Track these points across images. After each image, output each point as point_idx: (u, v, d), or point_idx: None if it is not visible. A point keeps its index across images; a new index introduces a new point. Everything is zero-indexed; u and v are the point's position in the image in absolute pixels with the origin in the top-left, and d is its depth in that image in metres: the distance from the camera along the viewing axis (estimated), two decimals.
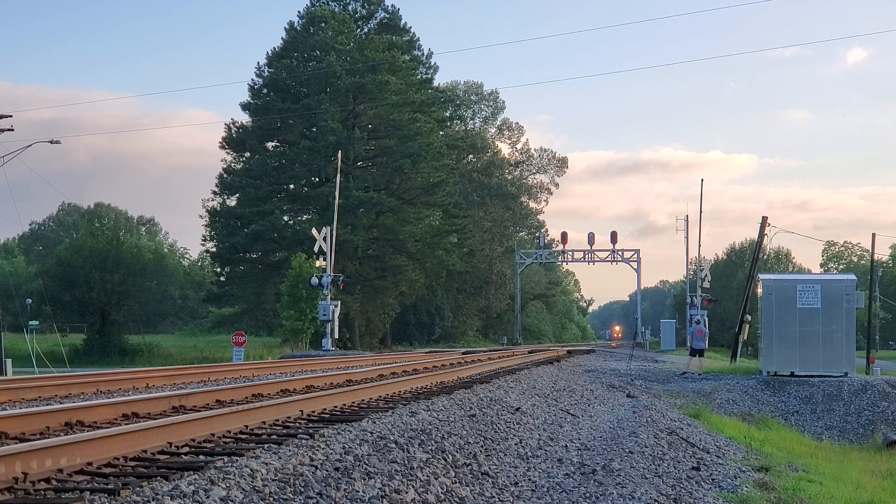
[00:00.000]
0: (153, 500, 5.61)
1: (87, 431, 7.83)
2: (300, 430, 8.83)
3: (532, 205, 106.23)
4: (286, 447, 7.69)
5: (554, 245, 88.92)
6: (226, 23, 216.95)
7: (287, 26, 69.38)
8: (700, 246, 59.35)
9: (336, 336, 43.73)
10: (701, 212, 57.68)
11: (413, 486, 7.46)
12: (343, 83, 64.38)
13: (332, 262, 44.49)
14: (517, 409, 13.50)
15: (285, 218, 68.46)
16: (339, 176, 49.84)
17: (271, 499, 6.21)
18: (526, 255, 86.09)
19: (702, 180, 59.00)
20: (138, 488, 5.81)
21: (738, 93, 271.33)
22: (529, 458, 10.20)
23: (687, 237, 67.02)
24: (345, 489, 6.82)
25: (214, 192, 69.32)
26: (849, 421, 25.16)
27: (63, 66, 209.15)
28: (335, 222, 46.68)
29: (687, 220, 66.91)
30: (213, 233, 69.36)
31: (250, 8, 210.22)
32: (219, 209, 68.86)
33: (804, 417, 25.38)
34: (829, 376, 27.56)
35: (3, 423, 7.95)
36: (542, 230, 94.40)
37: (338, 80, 64.33)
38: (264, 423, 9.19)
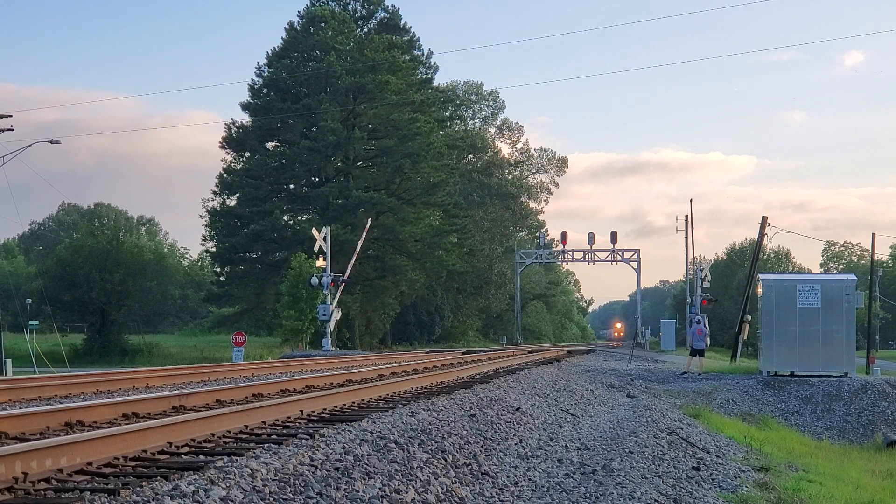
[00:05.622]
0: (153, 500, 5.61)
1: (87, 431, 7.83)
2: (300, 430, 8.82)
3: (532, 205, 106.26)
4: (286, 447, 7.69)
5: (554, 245, 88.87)
6: (226, 23, 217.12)
7: (287, 26, 69.43)
8: (693, 254, 59.50)
9: (332, 331, 44.05)
10: (692, 222, 57.81)
11: (413, 486, 7.46)
12: (343, 83, 64.36)
13: (351, 266, 45.88)
14: (517, 409, 13.50)
15: (285, 218, 68.42)
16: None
17: (271, 499, 6.20)
18: (526, 255, 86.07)
19: (690, 200, 59.18)
20: (138, 488, 5.81)
21: (738, 94, 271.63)
22: (529, 458, 10.20)
23: (687, 237, 67.16)
24: (345, 489, 6.82)
25: (214, 192, 69.33)
26: (849, 421, 25.15)
27: (66, 68, 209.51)
28: (364, 235, 49.38)
29: (687, 221, 67.03)
30: (213, 233, 69.32)
31: (250, 8, 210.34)
32: (219, 209, 68.83)
33: (804, 417, 25.38)
34: (829, 376, 27.55)
35: (3, 423, 7.95)
36: (542, 230, 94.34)
37: (338, 80, 64.31)
38: (264, 423, 9.19)
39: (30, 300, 67.06)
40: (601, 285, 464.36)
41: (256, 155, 67.74)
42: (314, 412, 10.42)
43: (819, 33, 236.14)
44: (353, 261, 47.79)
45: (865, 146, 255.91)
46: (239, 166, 69.39)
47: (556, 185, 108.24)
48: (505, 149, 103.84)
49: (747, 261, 61.66)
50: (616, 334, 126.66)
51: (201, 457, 7.16)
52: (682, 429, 15.80)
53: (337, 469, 7.25)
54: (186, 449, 7.45)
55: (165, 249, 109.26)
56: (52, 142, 43.87)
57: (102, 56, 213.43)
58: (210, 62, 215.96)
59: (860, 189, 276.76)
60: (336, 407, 11.16)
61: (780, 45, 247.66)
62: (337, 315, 44.60)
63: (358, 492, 6.84)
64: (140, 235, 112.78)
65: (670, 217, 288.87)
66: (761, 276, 32.55)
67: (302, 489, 6.56)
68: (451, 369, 19.48)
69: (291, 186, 69.70)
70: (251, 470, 6.58)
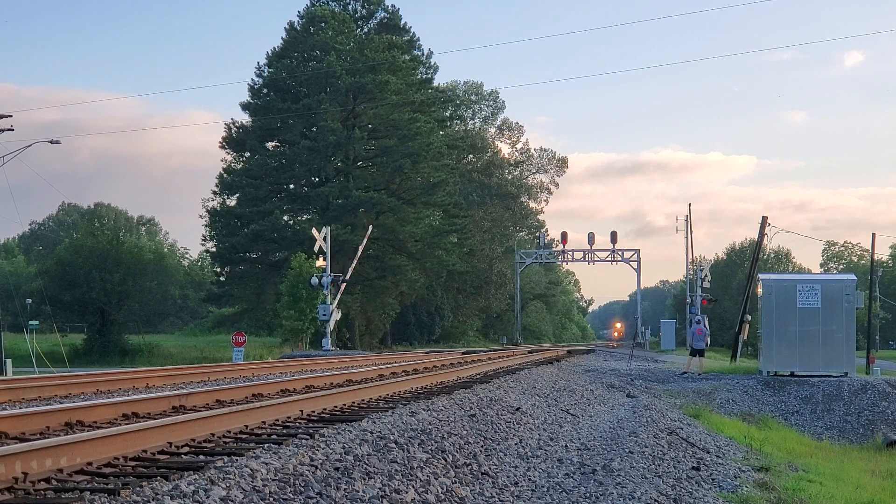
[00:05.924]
0: (153, 500, 5.61)
1: (87, 431, 7.82)
2: (300, 430, 8.82)
3: (532, 205, 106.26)
4: (286, 447, 7.69)
5: (554, 245, 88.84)
6: (226, 23, 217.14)
7: (287, 26, 69.44)
8: (693, 254, 59.42)
9: (332, 331, 44.15)
10: (691, 224, 57.78)
11: (413, 486, 7.46)
12: (343, 83, 64.35)
13: (351, 269, 46.07)
14: (517, 409, 13.50)
15: (285, 218, 68.42)
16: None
17: (271, 499, 6.20)
18: (526, 255, 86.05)
19: (689, 205, 59.21)
20: (138, 488, 5.81)
21: (737, 94, 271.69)
22: (529, 458, 10.20)
23: (687, 237, 67.12)
24: (345, 489, 6.82)
25: (214, 192, 69.34)
26: (849, 421, 25.15)
27: (66, 68, 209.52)
28: (365, 240, 49.90)
29: (687, 220, 67.00)
30: (213, 233, 69.33)
31: (250, 8, 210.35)
32: (219, 209, 68.83)
33: (804, 417, 25.37)
34: (829, 376, 27.54)
35: (3, 423, 7.95)
36: (542, 230, 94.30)
37: (338, 80, 64.30)
38: (264, 422, 9.19)
39: (30, 300, 67.05)
40: (601, 285, 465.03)
41: (256, 155, 67.74)
42: (314, 412, 10.41)
43: (819, 33, 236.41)
44: (353, 264, 47.90)
45: (865, 146, 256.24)
46: (239, 166, 69.39)
47: (556, 185, 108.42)
48: (505, 149, 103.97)
49: (747, 261, 61.68)
50: (616, 334, 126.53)
51: (201, 457, 7.16)
52: (682, 429, 15.80)
53: (337, 469, 7.25)
54: (186, 449, 7.45)
55: (165, 249, 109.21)
56: (52, 142, 43.92)
57: (102, 56, 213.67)
58: (210, 62, 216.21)
59: (860, 189, 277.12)
60: (336, 407, 11.16)
61: (780, 45, 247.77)
62: (337, 315, 44.66)
63: (358, 492, 6.84)
64: (140, 235, 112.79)
65: (670, 217, 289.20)
66: (761, 276, 32.54)
67: (302, 489, 6.56)
68: (450, 369, 19.48)
69: (291, 186, 69.70)
70: (251, 470, 6.58)
